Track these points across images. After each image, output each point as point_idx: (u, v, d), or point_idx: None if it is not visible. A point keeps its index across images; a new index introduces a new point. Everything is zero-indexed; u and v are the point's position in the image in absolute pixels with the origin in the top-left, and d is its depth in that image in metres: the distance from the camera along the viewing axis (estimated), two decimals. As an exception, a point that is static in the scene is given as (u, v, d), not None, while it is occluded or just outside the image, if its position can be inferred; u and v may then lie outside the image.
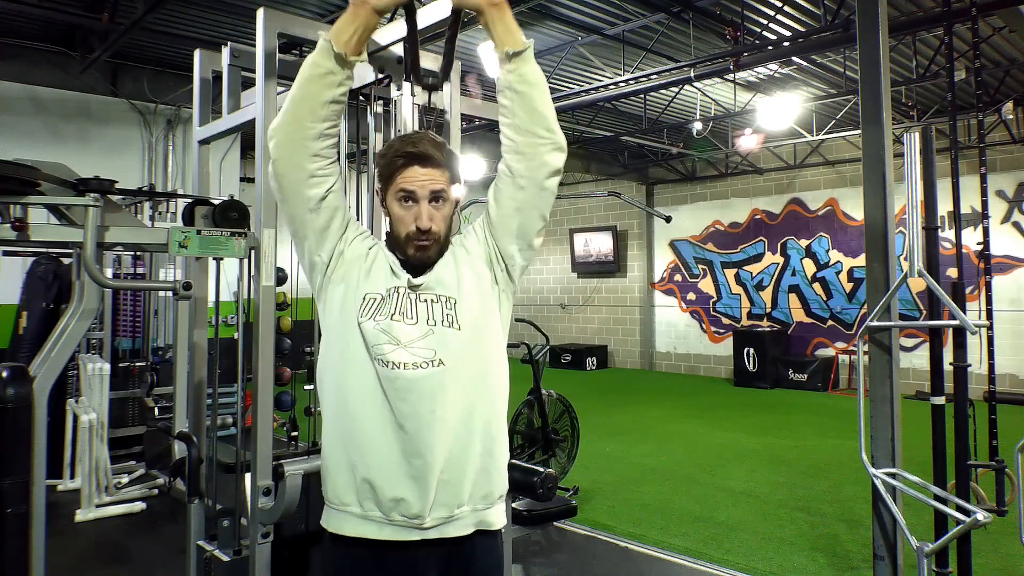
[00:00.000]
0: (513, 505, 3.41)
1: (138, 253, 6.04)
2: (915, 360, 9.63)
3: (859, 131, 3.38)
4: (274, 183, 1.51)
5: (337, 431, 1.50)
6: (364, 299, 1.51)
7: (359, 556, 1.48)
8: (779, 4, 6.07)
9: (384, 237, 1.64)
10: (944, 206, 3.41)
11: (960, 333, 3.01)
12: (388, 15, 1.56)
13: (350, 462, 1.48)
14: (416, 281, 1.51)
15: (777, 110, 8.06)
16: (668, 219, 6.35)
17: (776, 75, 7.94)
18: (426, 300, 1.51)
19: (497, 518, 1.56)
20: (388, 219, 1.58)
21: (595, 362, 12.91)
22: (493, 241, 1.57)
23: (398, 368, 1.45)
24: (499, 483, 1.56)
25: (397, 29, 2.30)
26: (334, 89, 1.46)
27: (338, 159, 1.57)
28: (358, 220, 2.46)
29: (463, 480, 1.48)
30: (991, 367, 3.22)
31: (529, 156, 1.48)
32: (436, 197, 1.51)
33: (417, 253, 1.52)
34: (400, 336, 1.46)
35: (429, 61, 2.52)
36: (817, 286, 10.89)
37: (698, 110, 8.78)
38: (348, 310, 1.51)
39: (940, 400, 3.06)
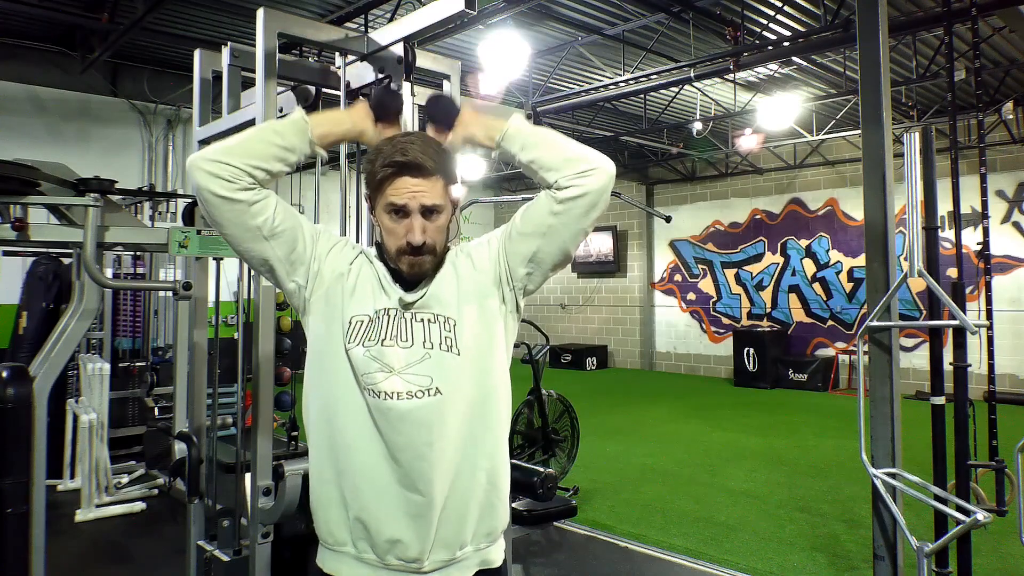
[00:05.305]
0: (513, 505, 3.40)
1: (138, 253, 6.05)
2: (915, 360, 9.63)
3: (859, 131, 3.38)
4: (214, 215, 1.32)
5: (327, 464, 1.38)
6: (350, 323, 1.37)
7: None
8: (779, 4, 6.07)
9: (374, 245, 1.51)
10: (944, 206, 3.41)
11: (960, 333, 3.01)
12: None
13: (342, 498, 1.37)
14: (409, 299, 1.38)
15: (777, 110, 8.06)
16: (668, 219, 6.32)
17: (776, 75, 7.95)
18: (422, 320, 1.37)
19: (499, 555, 1.45)
20: (378, 229, 1.44)
21: (595, 362, 12.91)
22: (506, 260, 1.43)
23: (391, 398, 1.32)
24: (503, 517, 1.45)
25: (396, 28, 2.30)
26: (282, 166, 1.36)
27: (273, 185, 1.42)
28: (356, 221, 2.48)
29: (466, 517, 1.37)
30: (991, 367, 3.22)
31: (569, 186, 1.36)
32: (429, 210, 1.36)
33: (411, 270, 1.39)
34: (392, 362, 1.34)
35: (428, 61, 2.52)
36: (817, 286, 10.89)
37: (698, 110, 8.78)
38: (333, 336, 1.38)
39: (940, 400, 3.06)
